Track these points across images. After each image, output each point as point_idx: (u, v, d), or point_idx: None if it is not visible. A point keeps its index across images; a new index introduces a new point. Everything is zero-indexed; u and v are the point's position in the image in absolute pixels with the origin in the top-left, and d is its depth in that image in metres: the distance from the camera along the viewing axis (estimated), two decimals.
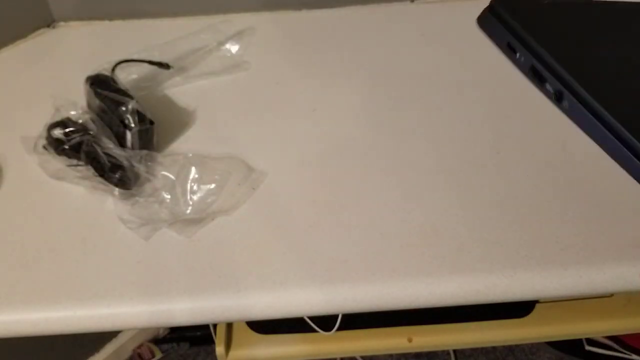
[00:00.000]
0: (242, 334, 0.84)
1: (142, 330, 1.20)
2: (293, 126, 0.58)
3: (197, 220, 0.48)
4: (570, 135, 0.55)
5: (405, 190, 0.50)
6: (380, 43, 0.70)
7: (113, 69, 0.58)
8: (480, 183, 0.51)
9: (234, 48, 0.68)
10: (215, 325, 0.86)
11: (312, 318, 0.77)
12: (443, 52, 0.68)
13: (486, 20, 0.31)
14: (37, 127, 0.54)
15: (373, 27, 0.73)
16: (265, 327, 0.84)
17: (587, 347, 1.04)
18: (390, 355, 1.20)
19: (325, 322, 0.79)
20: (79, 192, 0.51)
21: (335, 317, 0.78)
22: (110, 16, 0.76)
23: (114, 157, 0.50)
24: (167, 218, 0.48)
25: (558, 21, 0.38)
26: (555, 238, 0.45)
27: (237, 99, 0.62)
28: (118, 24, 0.76)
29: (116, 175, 0.49)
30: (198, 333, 1.24)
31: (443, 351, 1.20)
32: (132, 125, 0.51)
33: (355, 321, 0.84)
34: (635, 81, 0.49)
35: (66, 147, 0.51)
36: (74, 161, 0.52)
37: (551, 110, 0.58)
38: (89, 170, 0.51)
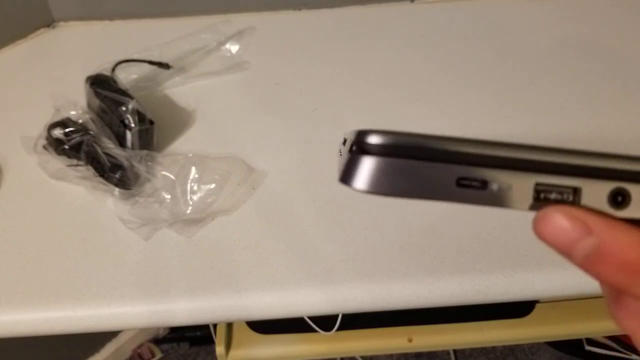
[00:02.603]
0: (242, 334, 0.83)
1: (142, 330, 1.20)
2: (293, 126, 0.58)
3: (197, 220, 0.48)
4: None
5: None
6: (380, 43, 0.70)
7: (113, 69, 0.58)
8: None
9: (234, 48, 0.68)
10: (215, 325, 0.86)
11: (312, 318, 0.77)
12: (442, 51, 0.68)
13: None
14: (37, 127, 0.54)
15: (373, 27, 0.73)
16: (265, 327, 0.83)
17: (587, 347, 1.04)
18: (390, 355, 1.20)
19: (325, 322, 0.79)
20: (79, 192, 0.51)
21: (335, 317, 0.78)
22: (110, 16, 0.76)
23: (114, 157, 0.50)
24: (167, 218, 0.48)
25: None
26: None
27: (237, 99, 0.62)
28: (118, 24, 0.76)
29: (116, 175, 0.49)
30: (198, 333, 1.24)
31: (443, 351, 1.20)
32: (132, 125, 0.51)
33: (355, 321, 0.84)
34: None
35: (66, 147, 0.51)
36: (74, 161, 0.52)
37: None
38: (89, 170, 0.51)
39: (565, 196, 0.17)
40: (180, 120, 0.59)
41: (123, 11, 0.76)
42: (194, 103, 0.62)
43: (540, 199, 0.17)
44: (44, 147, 0.53)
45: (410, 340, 0.83)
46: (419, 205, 0.49)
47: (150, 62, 0.63)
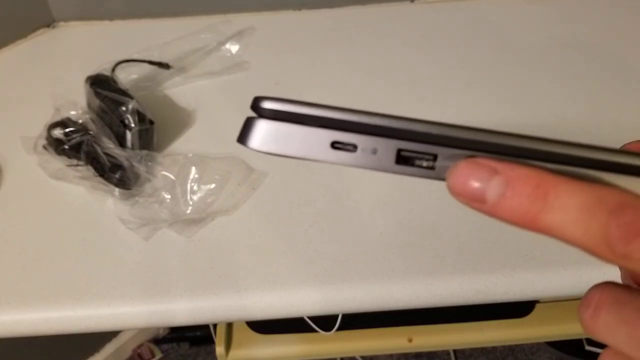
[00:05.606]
0: (242, 334, 0.83)
1: (142, 330, 1.20)
2: None
3: (197, 220, 0.48)
4: None
5: (405, 190, 0.50)
6: (380, 43, 0.70)
7: (113, 69, 0.58)
8: None
9: (234, 48, 0.68)
10: (215, 325, 0.86)
11: (312, 318, 0.77)
12: (442, 51, 0.68)
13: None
14: (37, 127, 0.54)
15: (373, 27, 0.73)
16: (265, 327, 0.84)
17: (587, 347, 1.04)
18: (390, 355, 1.20)
19: (325, 322, 0.79)
20: (79, 192, 0.51)
21: (335, 317, 0.78)
22: (110, 16, 0.76)
23: (114, 157, 0.50)
24: (167, 218, 0.48)
25: None
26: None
27: (237, 99, 0.62)
28: (118, 24, 0.76)
29: (116, 175, 0.49)
30: (198, 333, 1.24)
31: (443, 351, 1.20)
32: (132, 125, 0.51)
33: (355, 321, 0.84)
34: None
35: (66, 147, 0.51)
36: (74, 161, 0.52)
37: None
38: (89, 170, 0.51)
39: (425, 162, 0.19)
40: (180, 120, 0.59)
41: (123, 11, 0.76)
42: (194, 103, 0.62)
43: (402, 163, 0.19)
44: (44, 147, 0.53)
45: (410, 340, 0.83)
46: (418, 205, 0.49)
47: (150, 62, 0.63)
